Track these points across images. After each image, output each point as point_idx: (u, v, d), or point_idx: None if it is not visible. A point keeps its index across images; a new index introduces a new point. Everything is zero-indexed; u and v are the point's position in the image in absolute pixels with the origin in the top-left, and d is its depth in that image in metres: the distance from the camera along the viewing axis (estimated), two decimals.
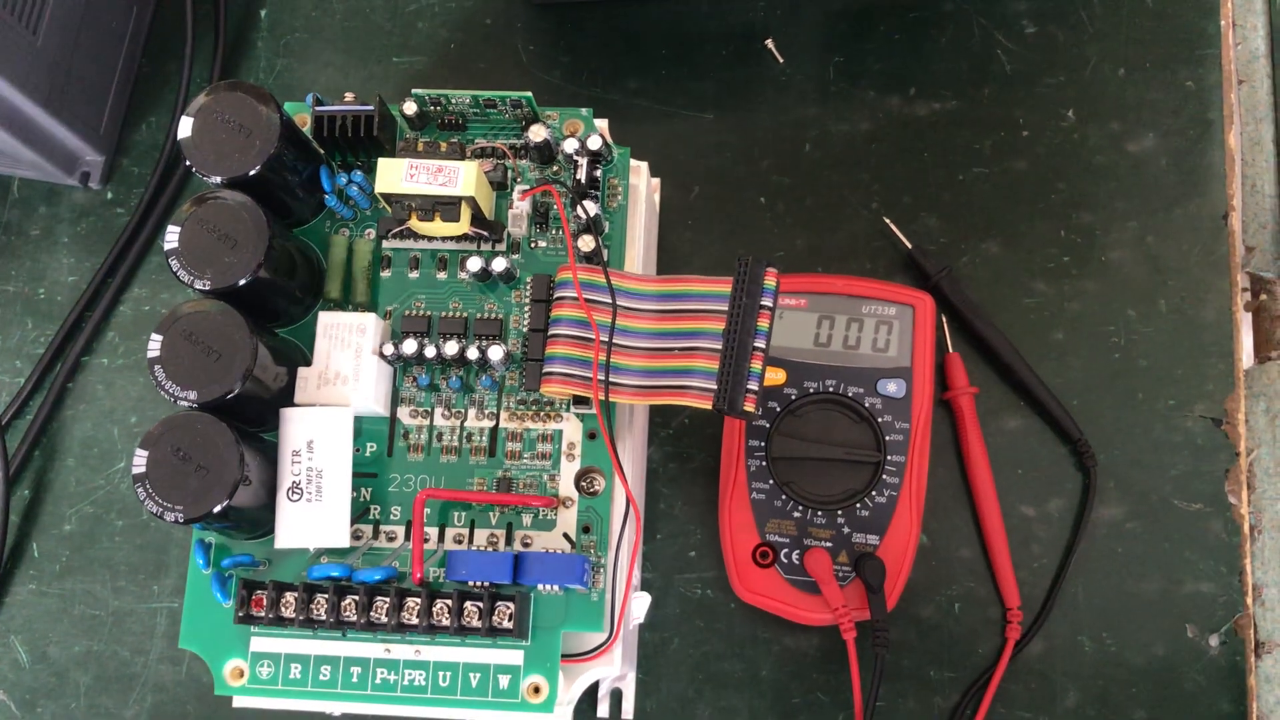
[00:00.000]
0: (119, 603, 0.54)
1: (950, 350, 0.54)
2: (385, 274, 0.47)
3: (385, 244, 0.47)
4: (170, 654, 0.53)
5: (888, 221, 0.55)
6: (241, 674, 0.44)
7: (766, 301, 0.42)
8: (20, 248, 0.58)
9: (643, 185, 0.49)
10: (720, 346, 0.42)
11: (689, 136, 0.57)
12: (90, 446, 0.56)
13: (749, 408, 0.41)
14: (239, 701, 0.45)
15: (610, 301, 0.44)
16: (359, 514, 0.45)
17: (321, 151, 0.47)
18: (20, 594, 0.54)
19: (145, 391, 0.56)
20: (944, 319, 0.54)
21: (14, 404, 0.56)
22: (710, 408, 0.42)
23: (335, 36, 0.60)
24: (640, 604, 0.48)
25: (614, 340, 0.43)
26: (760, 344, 0.42)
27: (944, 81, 0.57)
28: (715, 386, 0.42)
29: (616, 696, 0.51)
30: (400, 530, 0.45)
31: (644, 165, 0.49)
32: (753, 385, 0.41)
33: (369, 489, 0.45)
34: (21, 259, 0.58)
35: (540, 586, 0.43)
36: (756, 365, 0.42)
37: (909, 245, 0.55)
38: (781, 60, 0.58)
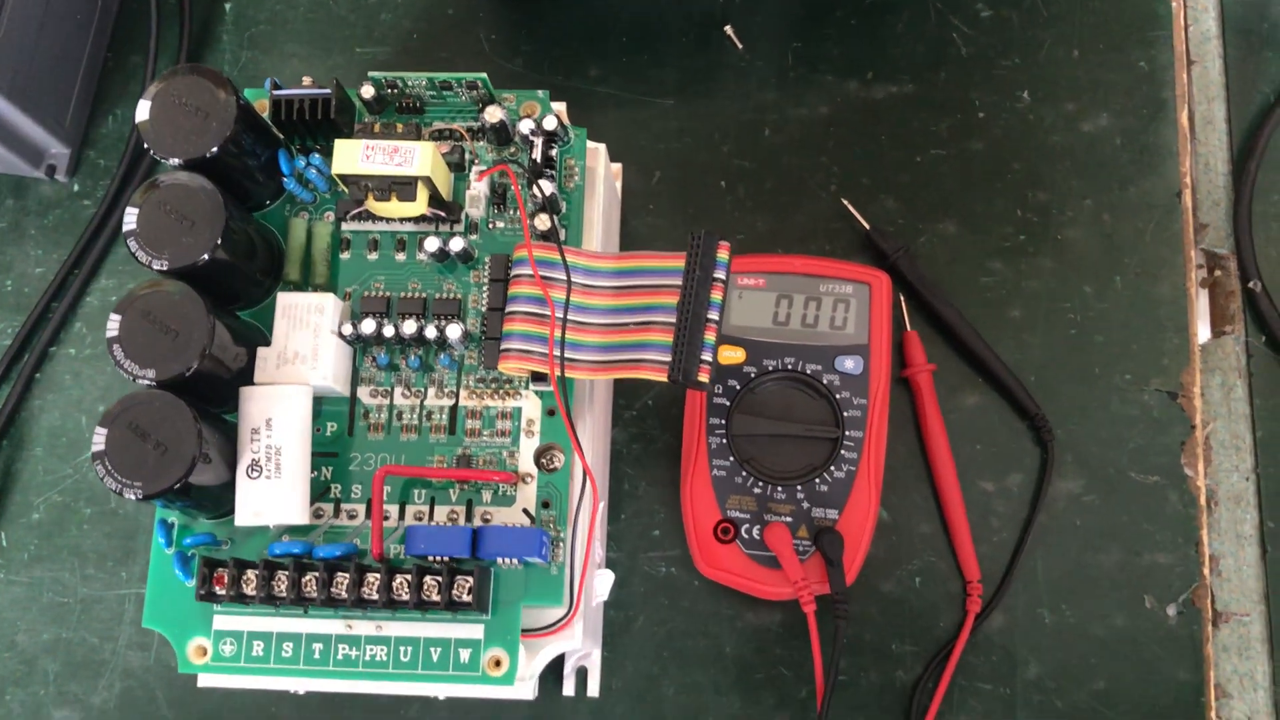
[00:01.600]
0: (87, 590, 0.54)
1: (909, 328, 0.54)
2: (344, 256, 0.48)
3: (344, 226, 0.48)
4: (139, 639, 0.54)
5: (846, 203, 0.56)
6: (204, 652, 0.44)
7: (719, 274, 0.43)
8: None
9: (601, 167, 0.50)
10: (674, 320, 0.43)
11: (650, 122, 0.58)
12: (58, 436, 0.56)
13: (703, 378, 0.42)
14: (204, 680, 0.46)
15: (566, 279, 0.44)
16: (319, 493, 0.45)
17: (280, 136, 0.47)
18: None
19: (113, 380, 0.57)
20: (902, 298, 0.54)
21: None
22: (666, 379, 0.42)
23: (299, 29, 0.60)
24: (603, 582, 0.48)
25: (571, 317, 0.44)
26: (714, 316, 0.42)
27: (901, 65, 0.58)
28: (670, 359, 0.42)
29: (582, 674, 0.52)
30: (361, 509, 0.45)
31: (601, 147, 0.50)
32: (706, 356, 0.42)
33: (329, 468, 0.46)
34: None
35: (500, 561, 0.43)
36: (710, 336, 0.42)
37: (867, 226, 0.55)
38: (741, 46, 0.58)
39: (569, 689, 0.51)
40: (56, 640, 0.54)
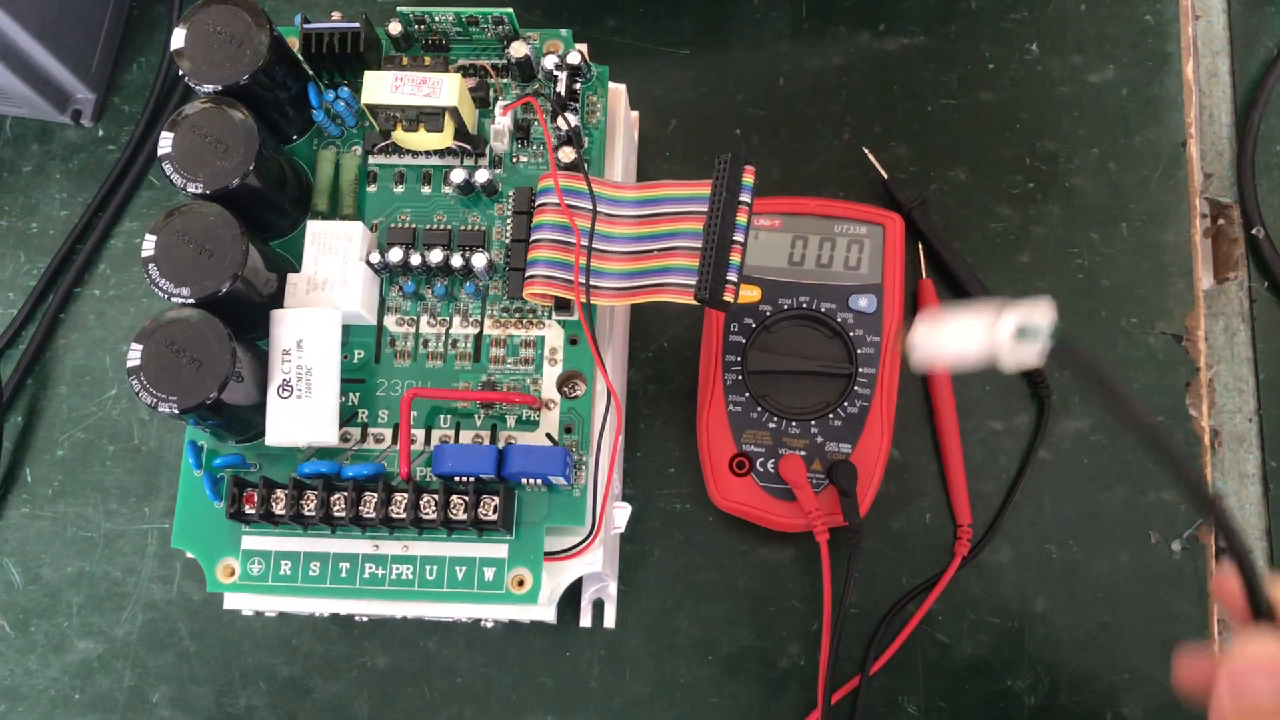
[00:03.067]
0: (110, 525, 0.55)
1: (924, 276, 0.55)
2: (371, 189, 0.48)
3: (371, 159, 0.49)
4: (161, 573, 0.54)
5: (866, 151, 0.57)
6: (232, 572, 0.45)
7: (745, 198, 0.44)
8: (13, 184, 0.59)
9: (621, 107, 0.51)
10: (699, 244, 0.44)
11: (666, 72, 0.59)
12: (82, 374, 0.57)
13: (729, 298, 0.43)
14: (230, 601, 0.47)
15: (591, 207, 0.45)
16: (347, 418, 0.46)
17: (310, 71, 0.48)
18: (13, 517, 0.55)
19: (136, 321, 0.57)
20: (920, 247, 0.55)
21: (7, 334, 0.57)
22: (692, 300, 0.43)
23: None
24: (621, 514, 0.49)
25: (596, 246, 0.45)
26: (739, 238, 0.43)
27: (912, 17, 0.59)
28: (695, 281, 0.43)
29: (599, 607, 0.53)
30: (388, 433, 0.46)
31: (622, 88, 0.51)
32: (732, 276, 0.43)
33: (356, 394, 0.47)
34: (14, 195, 0.59)
35: (525, 482, 0.44)
36: (735, 258, 0.43)
37: (885, 175, 0.56)
38: None
39: (586, 620, 0.52)
40: (80, 573, 0.55)
